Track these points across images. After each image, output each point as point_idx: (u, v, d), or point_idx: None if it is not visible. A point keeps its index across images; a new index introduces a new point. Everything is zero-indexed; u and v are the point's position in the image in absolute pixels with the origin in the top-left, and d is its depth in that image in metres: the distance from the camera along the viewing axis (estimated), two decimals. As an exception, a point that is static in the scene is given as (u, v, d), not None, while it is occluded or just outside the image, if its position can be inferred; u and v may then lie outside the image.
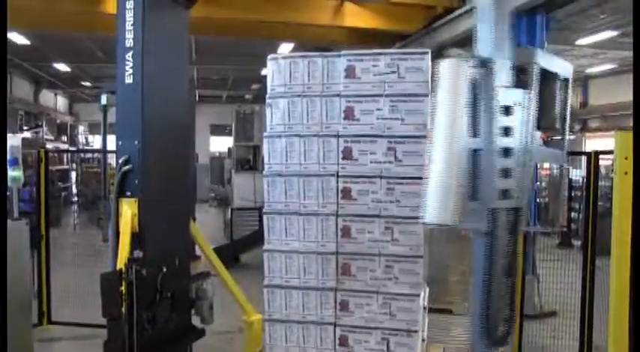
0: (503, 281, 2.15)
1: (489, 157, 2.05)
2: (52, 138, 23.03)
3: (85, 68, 19.78)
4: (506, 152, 2.08)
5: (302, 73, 3.04)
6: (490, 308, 2.11)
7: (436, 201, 1.91)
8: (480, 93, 2.04)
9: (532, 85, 2.20)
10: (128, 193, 3.81)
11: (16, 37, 13.69)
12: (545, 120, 2.37)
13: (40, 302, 6.13)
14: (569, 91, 2.52)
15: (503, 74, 2.10)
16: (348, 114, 2.98)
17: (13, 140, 4.32)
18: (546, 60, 2.35)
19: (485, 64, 2.04)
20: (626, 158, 2.04)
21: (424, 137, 2.92)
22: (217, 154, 23.79)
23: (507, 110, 2.10)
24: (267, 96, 3.11)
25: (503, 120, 2.09)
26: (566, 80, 2.50)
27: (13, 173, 4.13)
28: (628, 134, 2.06)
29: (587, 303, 5.12)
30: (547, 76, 2.34)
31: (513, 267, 2.24)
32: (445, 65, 1.99)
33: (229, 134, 16.43)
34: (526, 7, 7.65)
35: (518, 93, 2.14)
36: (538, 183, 13.15)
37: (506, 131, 2.09)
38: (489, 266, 2.10)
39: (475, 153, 2.05)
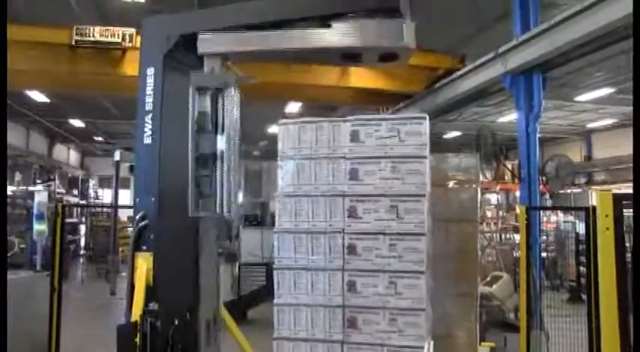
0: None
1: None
2: (64, 191, 23.39)
3: (99, 124, 20.38)
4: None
5: (310, 137, 3.29)
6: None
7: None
8: None
9: None
10: (144, 248, 3.98)
11: (36, 95, 14.29)
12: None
13: (48, 355, 6.15)
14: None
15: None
16: (353, 175, 3.19)
17: (41, 196, 4.54)
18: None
19: None
20: (606, 215, 2.23)
21: (424, 195, 3.13)
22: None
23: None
24: (278, 158, 3.33)
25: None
26: None
27: (39, 227, 4.32)
28: (607, 193, 2.26)
29: (596, 359, 5.11)
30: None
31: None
32: None
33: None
34: (523, 68, 8.03)
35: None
36: (545, 236, 13.22)
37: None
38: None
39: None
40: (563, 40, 7.03)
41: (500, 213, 15.55)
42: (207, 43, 3.90)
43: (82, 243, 18.89)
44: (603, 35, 6.66)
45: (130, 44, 8.95)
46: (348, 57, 3.96)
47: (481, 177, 8.48)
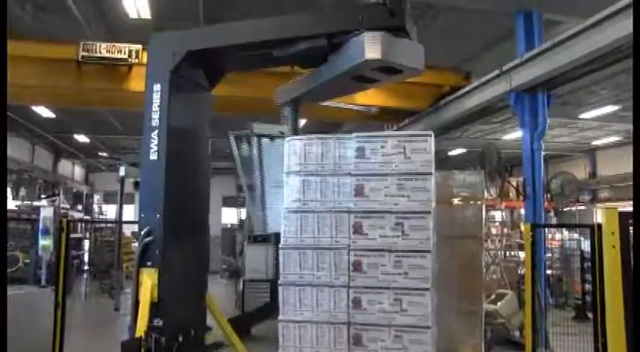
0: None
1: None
2: (68, 206, 23.38)
3: (103, 139, 20.48)
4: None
5: (316, 154, 3.31)
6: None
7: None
8: None
9: None
10: (149, 263, 3.98)
11: (42, 111, 14.41)
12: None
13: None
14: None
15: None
16: (359, 192, 3.21)
17: (46, 211, 4.57)
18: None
19: None
20: (612, 233, 2.23)
21: (429, 212, 3.14)
22: (229, 225, 23.94)
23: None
24: (284, 174, 3.35)
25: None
26: None
27: (44, 242, 4.35)
28: (614, 211, 2.26)
29: (602, 378, 5.05)
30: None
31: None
32: None
33: (242, 205, 16.39)
34: (527, 85, 8.06)
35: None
36: (549, 254, 13.12)
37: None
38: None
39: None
40: (566, 58, 7.07)
41: (505, 230, 15.44)
42: (283, 94, 4.67)
43: (86, 258, 18.83)
44: (608, 53, 6.70)
45: (137, 60, 9.02)
46: (364, 80, 4.06)
47: (486, 194, 8.46)
